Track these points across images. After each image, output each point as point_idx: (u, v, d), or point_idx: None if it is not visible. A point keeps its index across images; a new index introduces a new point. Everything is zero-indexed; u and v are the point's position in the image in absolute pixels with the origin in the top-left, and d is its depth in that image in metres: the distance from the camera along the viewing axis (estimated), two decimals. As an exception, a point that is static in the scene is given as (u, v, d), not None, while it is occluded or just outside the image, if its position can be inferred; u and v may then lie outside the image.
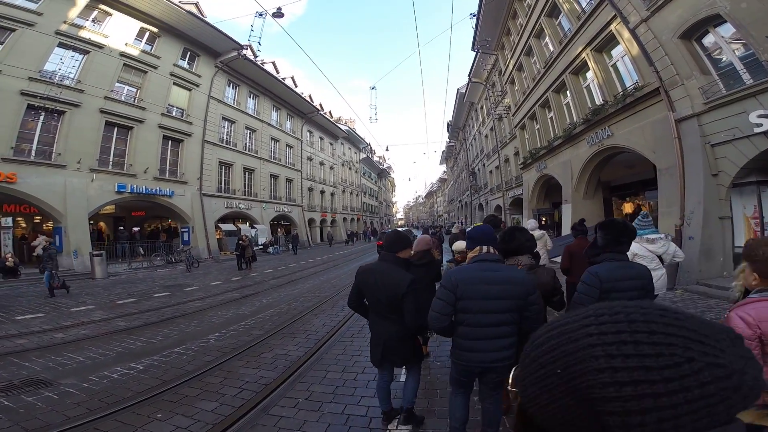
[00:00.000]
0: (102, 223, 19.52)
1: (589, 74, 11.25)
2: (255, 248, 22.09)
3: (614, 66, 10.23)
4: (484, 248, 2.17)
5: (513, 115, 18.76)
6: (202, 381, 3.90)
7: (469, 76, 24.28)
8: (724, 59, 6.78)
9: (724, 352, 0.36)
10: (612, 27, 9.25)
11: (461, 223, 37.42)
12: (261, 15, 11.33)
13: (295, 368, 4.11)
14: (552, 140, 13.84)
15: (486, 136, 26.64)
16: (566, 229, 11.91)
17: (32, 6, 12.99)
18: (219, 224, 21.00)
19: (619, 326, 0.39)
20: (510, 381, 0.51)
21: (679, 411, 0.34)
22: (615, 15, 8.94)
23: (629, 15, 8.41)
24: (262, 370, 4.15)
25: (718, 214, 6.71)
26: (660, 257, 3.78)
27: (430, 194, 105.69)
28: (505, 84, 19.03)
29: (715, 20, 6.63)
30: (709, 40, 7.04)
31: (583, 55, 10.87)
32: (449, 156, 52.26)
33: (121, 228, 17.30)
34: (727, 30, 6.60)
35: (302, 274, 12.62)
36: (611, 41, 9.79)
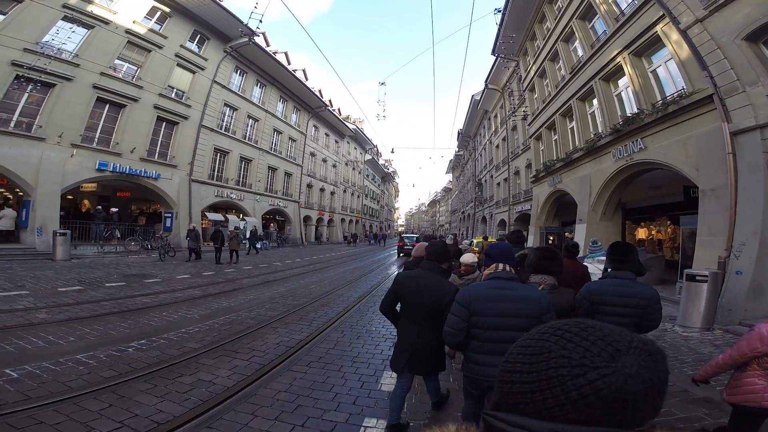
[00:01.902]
0: (86, 201, 18.51)
1: (623, 81, 10.10)
2: (242, 241, 21.02)
3: (654, 72, 9.08)
4: (500, 266, 2.17)
5: (529, 125, 17.61)
6: (77, 404, 2.83)
7: (486, 81, 23.21)
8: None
9: (588, 351, 0.47)
10: (658, 28, 8.09)
11: (461, 234, 36.15)
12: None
13: (210, 406, 2.91)
14: (570, 152, 12.65)
15: (497, 146, 25.49)
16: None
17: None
18: (207, 213, 19.85)
19: (532, 332, 0.54)
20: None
21: (535, 386, 0.47)
22: (662, 15, 7.81)
23: (681, 15, 7.26)
24: (166, 400, 2.98)
25: (778, 248, 5.48)
26: None
27: (433, 203, 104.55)
28: (524, 91, 17.91)
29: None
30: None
31: (619, 59, 9.73)
32: (456, 165, 51.18)
33: (99, 207, 16.20)
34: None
35: (283, 274, 11.41)
36: (654, 44, 8.65)
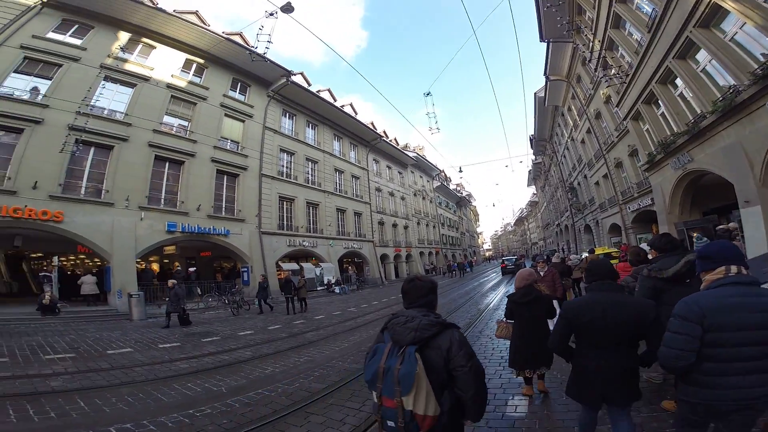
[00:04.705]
0: (176, 263, 19.06)
1: (729, 20, 7.43)
2: (320, 287, 20.71)
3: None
4: (733, 268, 1.70)
5: (618, 106, 14.31)
6: None
7: (545, 74, 20.32)
8: None
9: None
10: None
11: (562, 251, 31.29)
12: (272, 14, 10.09)
13: None
14: (694, 121, 9.38)
15: (582, 141, 21.72)
16: (753, 248, 7.28)
17: (76, 41, 13.51)
18: (281, 263, 20.00)
19: None
20: None
21: None
22: None
23: None
24: None
25: None
26: None
27: (519, 221, 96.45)
28: (596, 71, 14.84)
29: None
30: None
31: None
32: (537, 175, 46.26)
33: (178, 268, 16.84)
34: None
35: (354, 323, 10.12)
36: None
